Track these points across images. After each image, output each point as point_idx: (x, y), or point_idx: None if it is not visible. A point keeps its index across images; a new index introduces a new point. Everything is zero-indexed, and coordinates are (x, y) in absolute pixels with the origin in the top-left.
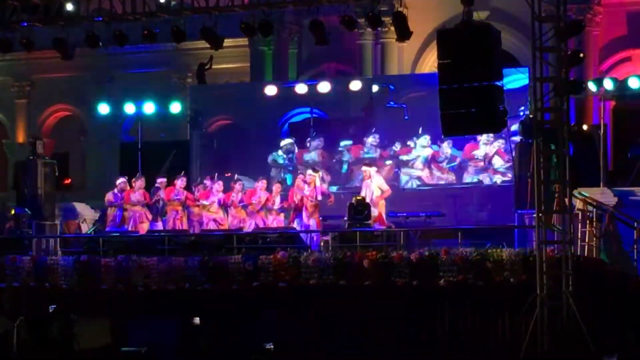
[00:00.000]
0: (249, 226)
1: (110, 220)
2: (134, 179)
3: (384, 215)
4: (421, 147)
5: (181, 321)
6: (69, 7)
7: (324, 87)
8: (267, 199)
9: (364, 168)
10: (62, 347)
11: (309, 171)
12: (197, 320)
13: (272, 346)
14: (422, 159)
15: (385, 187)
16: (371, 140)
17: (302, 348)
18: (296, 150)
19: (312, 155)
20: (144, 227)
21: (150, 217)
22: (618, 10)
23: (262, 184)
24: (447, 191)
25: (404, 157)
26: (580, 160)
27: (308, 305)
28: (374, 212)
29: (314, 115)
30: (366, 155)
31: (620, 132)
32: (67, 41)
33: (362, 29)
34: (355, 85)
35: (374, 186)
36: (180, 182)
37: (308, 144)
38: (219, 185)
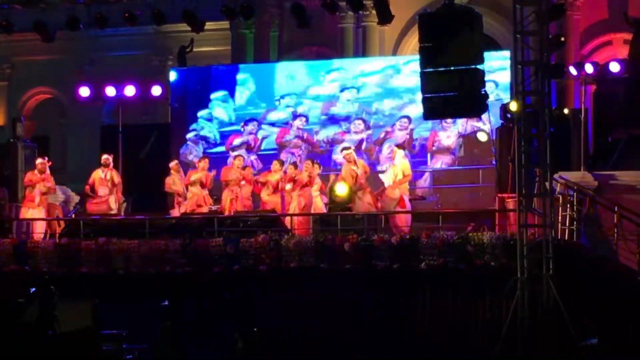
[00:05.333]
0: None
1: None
2: (198, 160)
3: (405, 199)
4: (354, 132)
5: (162, 304)
6: None
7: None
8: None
9: (394, 148)
10: (41, 330)
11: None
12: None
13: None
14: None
15: (408, 172)
16: (298, 123)
17: (283, 331)
18: None
19: (244, 139)
20: (202, 211)
21: (209, 201)
22: None
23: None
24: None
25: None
26: (561, 144)
27: (289, 288)
28: (396, 194)
29: None
30: (289, 139)
31: (601, 116)
32: (48, 24)
33: (344, 12)
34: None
35: (397, 169)
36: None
37: (242, 129)
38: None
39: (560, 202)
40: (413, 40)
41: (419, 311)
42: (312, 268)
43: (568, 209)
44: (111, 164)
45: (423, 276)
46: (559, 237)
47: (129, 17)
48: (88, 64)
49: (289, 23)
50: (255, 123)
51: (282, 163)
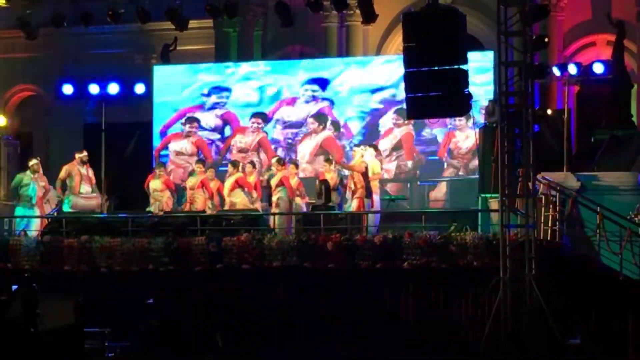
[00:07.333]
0: None
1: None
2: (156, 166)
3: (375, 197)
4: (313, 133)
5: (144, 302)
6: None
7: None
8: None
9: (363, 147)
10: (24, 328)
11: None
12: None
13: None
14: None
15: (377, 170)
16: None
17: (266, 329)
18: None
19: (183, 143)
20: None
21: (171, 204)
22: None
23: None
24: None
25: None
26: (544, 145)
27: (272, 287)
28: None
29: None
30: (248, 139)
31: (584, 117)
32: (32, 21)
33: (328, 12)
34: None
35: (367, 164)
36: None
37: (182, 127)
38: None
39: (543, 202)
40: (397, 39)
41: (402, 311)
42: (295, 267)
43: (550, 210)
44: None
45: (406, 276)
46: (542, 238)
47: (113, 15)
48: (72, 61)
49: (273, 22)
50: (195, 124)
51: (235, 164)
